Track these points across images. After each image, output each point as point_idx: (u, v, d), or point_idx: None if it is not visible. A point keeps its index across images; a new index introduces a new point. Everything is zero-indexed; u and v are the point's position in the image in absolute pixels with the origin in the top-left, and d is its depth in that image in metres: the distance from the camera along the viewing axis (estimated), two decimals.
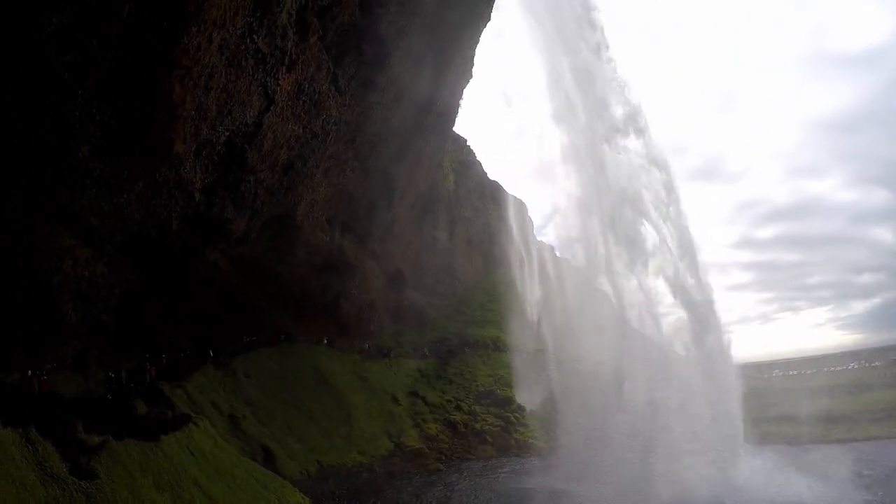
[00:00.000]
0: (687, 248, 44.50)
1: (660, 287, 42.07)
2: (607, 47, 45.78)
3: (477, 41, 42.35)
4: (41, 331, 13.88)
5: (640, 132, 46.95)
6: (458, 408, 43.11)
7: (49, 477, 9.17)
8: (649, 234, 43.68)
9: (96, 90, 15.84)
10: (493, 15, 41.41)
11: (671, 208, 44.15)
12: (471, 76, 45.69)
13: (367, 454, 34.10)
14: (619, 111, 46.05)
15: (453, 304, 55.56)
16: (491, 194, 64.99)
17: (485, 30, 42.71)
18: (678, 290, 39.66)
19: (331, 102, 28.74)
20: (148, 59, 16.07)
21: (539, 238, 72.69)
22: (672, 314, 42.21)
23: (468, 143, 64.49)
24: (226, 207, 25.32)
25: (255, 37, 20.94)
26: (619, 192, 41.59)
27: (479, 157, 66.04)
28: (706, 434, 33.47)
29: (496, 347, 50.98)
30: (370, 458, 33.72)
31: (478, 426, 41.13)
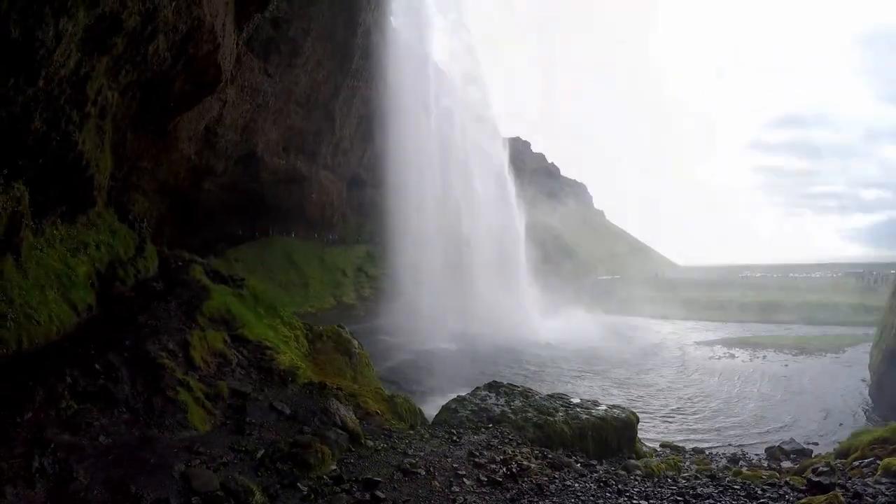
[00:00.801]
0: None
1: None
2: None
3: (374, 5, 55.50)
4: None
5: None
6: (390, 277, 57.67)
7: None
8: None
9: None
10: None
11: None
12: (380, 27, 56.66)
13: (315, 307, 51.85)
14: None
15: None
16: None
17: None
18: None
19: (266, 87, 46.40)
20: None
21: None
22: None
23: None
24: (209, 158, 42.03)
25: None
26: None
27: None
28: None
29: None
30: (317, 310, 51.18)
31: None
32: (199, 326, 16.89)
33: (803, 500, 12.00)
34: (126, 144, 21.90)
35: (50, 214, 16.95)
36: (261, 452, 11.88)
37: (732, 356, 44.15)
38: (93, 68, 15.00)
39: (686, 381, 35.57)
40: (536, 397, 19.75)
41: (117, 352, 13.60)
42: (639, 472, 15.18)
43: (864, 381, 34.52)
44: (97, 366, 12.64)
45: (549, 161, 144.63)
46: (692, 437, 24.58)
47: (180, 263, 23.74)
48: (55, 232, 17.41)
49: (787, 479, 14.14)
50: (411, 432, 15.92)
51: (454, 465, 13.35)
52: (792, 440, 23.04)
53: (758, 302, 72.89)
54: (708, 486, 13.52)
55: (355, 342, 22.55)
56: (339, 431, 13.73)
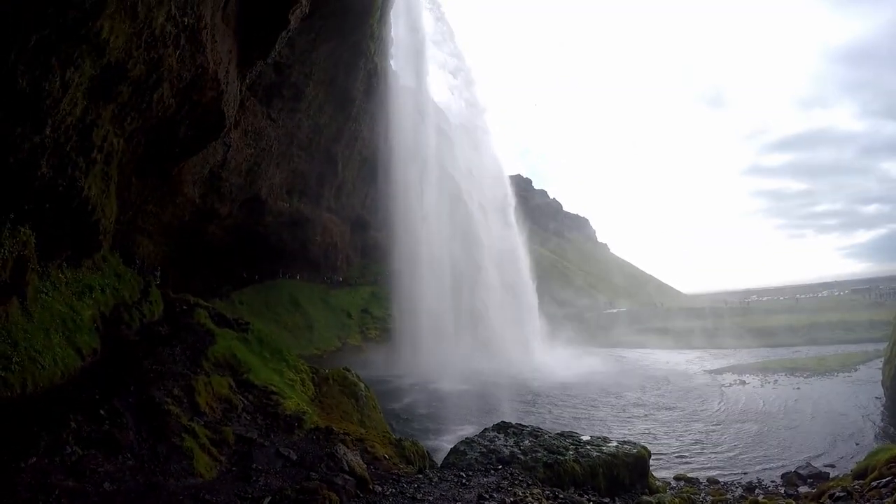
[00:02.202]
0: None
1: None
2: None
3: (374, 50, 54.87)
4: None
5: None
6: (395, 318, 58.10)
7: None
8: None
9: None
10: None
11: None
12: (380, 70, 57.20)
13: (321, 349, 51.82)
14: None
15: None
16: None
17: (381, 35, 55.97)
18: None
19: (269, 131, 47.09)
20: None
21: None
22: None
23: None
24: (214, 201, 42.97)
25: None
26: None
27: None
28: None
29: None
30: (323, 352, 51.23)
31: None
32: (204, 371, 16.84)
33: None
34: (131, 189, 22.17)
35: (55, 258, 17.06)
36: (267, 499, 11.69)
37: (743, 383, 43.55)
38: (98, 116, 15.25)
39: (698, 410, 35.03)
40: (546, 436, 19.50)
41: (122, 397, 13.53)
42: None
43: (878, 398, 34.03)
44: (102, 411, 12.56)
45: (551, 197, 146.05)
46: (706, 467, 24.14)
47: (185, 307, 23.79)
48: (60, 275, 17.50)
49: None
50: (420, 476, 15.68)
51: None
52: (808, 464, 22.70)
53: (765, 326, 72.32)
54: None
55: (361, 385, 22.40)
56: (347, 477, 13.52)
